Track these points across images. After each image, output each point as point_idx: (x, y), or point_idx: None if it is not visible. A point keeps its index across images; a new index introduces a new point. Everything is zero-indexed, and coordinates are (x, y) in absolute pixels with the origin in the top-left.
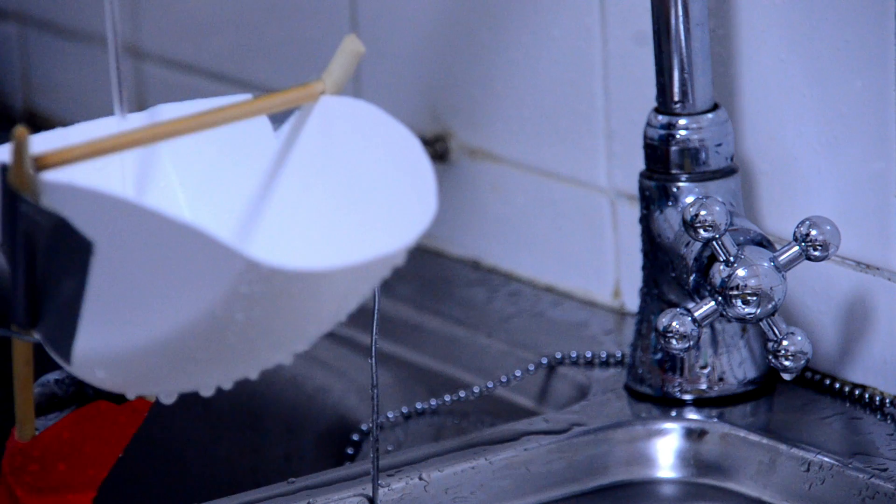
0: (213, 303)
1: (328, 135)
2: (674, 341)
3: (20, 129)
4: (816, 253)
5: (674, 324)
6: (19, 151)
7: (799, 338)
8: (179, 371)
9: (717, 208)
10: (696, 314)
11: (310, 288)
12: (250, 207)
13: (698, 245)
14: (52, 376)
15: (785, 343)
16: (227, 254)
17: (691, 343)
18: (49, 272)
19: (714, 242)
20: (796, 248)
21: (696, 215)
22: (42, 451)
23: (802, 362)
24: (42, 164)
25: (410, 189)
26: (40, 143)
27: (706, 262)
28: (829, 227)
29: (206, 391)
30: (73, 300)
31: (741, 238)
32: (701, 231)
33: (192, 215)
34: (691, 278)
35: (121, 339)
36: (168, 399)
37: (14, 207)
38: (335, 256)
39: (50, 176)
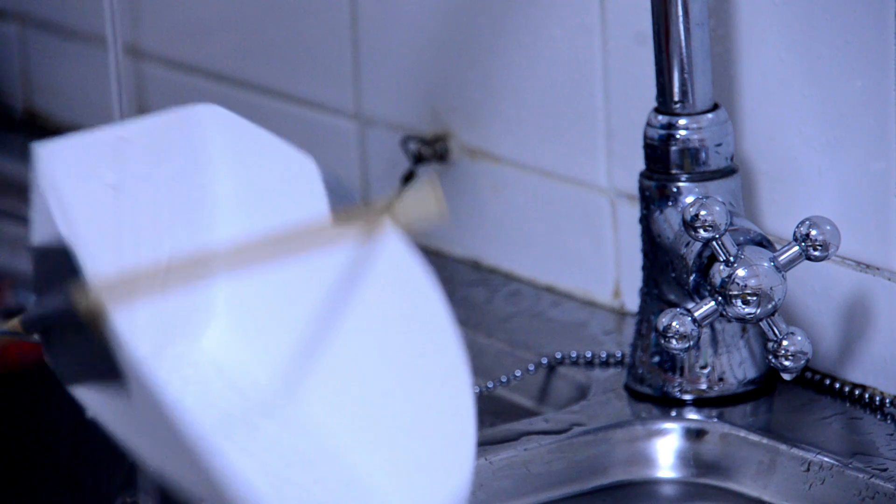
0: None
1: (382, 295)
2: (674, 341)
3: (102, 287)
4: (816, 253)
5: (674, 324)
6: (98, 303)
7: (799, 338)
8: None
9: (717, 208)
10: (696, 314)
11: None
12: (299, 348)
13: (698, 245)
14: None
15: (785, 343)
16: None
17: (691, 343)
18: (72, 348)
19: (714, 242)
20: (796, 248)
21: (696, 215)
22: None
23: (802, 362)
24: (109, 297)
25: (447, 434)
26: (57, 151)
27: (706, 262)
28: (829, 227)
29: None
30: (82, 376)
31: (741, 238)
32: (701, 231)
33: (242, 345)
34: (691, 278)
35: (117, 427)
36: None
37: (70, 315)
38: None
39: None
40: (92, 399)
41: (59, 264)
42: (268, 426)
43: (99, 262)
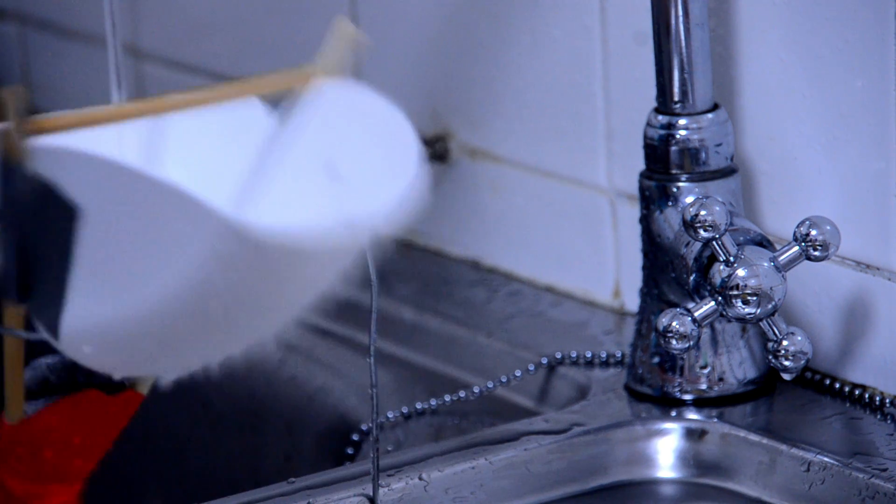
0: (193, 265)
1: (319, 116)
2: (674, 341)
3: (10, 92)
4: (816, 253)
5: (674, 324)
6: (7, 117)
7: (799, 338)
8: (164, 345)
9: (717, 208)
10: (696, 314)
11: (286, 249)
12: (244, 185)
13: (698, 245)
14: (44, 361)
15: (785, 343)
16: (204, 212)
17: (691, 343)
18: (38, 242)
19: (714, 242)
20: (796, 248)
21: (696, 215)
22: (29, 436)
23: (802, 362)
24: (31, 130)
25: (395, 163)
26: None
27: (706, 262)
28: (829, 227)
29: (182, 371)
30: (61, 270)
31: (741, 238)
32: (701, 231)
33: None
34: (691, 278)
35: (106, 309)
36: (168, 378)
37: (3, 174)
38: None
39: (38, 141)
40: (80, 313)
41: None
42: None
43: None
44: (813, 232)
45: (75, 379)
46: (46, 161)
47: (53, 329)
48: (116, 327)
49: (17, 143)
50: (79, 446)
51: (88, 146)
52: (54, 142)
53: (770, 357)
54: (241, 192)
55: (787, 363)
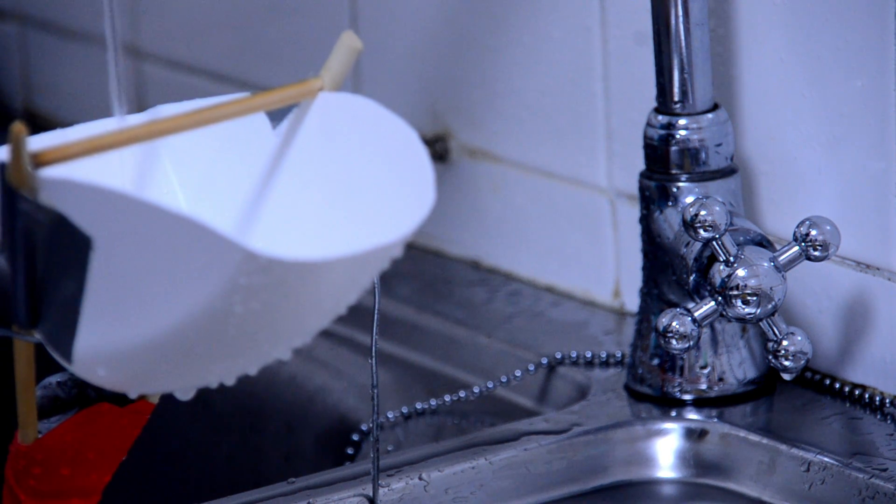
0: (212, 295)
1: (326, 131)
2: (674, 341)
3: (17, 126)
4: (816, 253)
5: (674, 324)
6: (17, 148)
7: (799, 338)
8: (180, 367)
9: (717, 208)
10: (696, 314)
11: (308, 278)
12: (250, 204)
13: (698, 245)
14: (54, 378)
15: (785, 343)
16: (225, 245)
17: (691, 343)
18: (49, 270)
19: (714, 242)
20: (796, 248)
21: (696, 215)
22: (45, 455)
23: (802, 362)
24: (40, 160)
25: (409, 181)
26: (40, 142)
27: (706, 262)
28: (829, 227)
29: (198, 388)
30: (73, 298)
31: (741, 238)
32: (701, 231)
33: (192, 212)
34: (691, 278)
35: (121, 335)
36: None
37: (13, 205)
38: (333, 248)
39: (48, 172)
40: (89, 339)
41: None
42: (252, 226)
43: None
44: (813, 232)
45: (86, 394)
46: (58, 192)
47: (66, 354)
48: (132, 351)
49: (27, 175)
50: (94, 460)
51: (98, 173)
52: (65, 173)
53: (770, 357)
54: (249, 213)
55: (787, 363)
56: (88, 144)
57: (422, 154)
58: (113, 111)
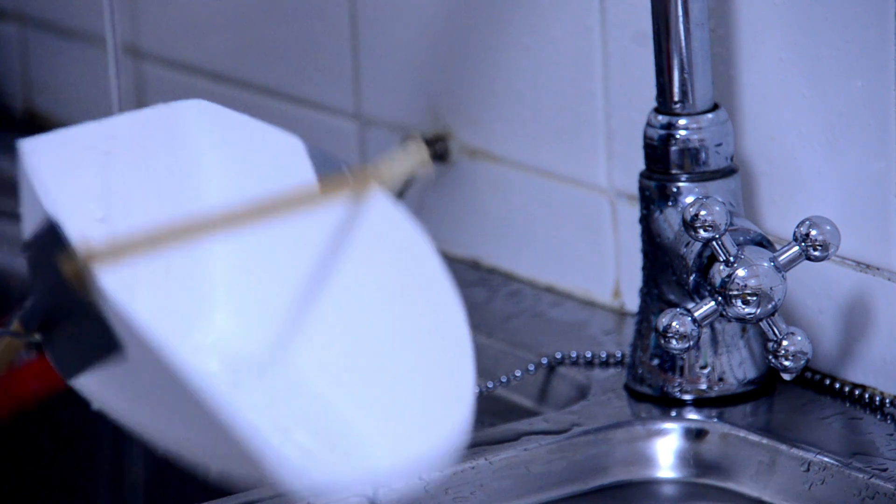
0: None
1: (375, 253)
2: (674, 341)
3: (88, 249)
4: (816, 253)
5: (674, 324)
6: (84, 265)
7: (799, 338)
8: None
9: (717, 208)
10: (696, 314)
11: None
12: (291, 310)
13: (698, 245)
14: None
15: (785, 343)
16: (249, 448)
17: (691, 343)
18: (67, 337)
19: (714, 242)
20: (796, 248)
21: (696, 215)
22: None
23: (802, 362)
24: (95, 259)
25: (447, 383)
26: (43, 146)
27: (706, 262)
28: (829, 227)
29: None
30: (82, 363)
31: (741, 238)
32: (701, 231)
33: (230, 305)
34: (691, 278)
35: (122, 408)
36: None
37: (61, 290)
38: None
39: (103, 280)
40: (95, 385)
41: (48, 246)
42: (263, 385)
43: (86, 235)
44: (813, 232)
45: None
46: (105, 300)
47: (67, 378)
48: (128, 418)
49: (85, 277)
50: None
51: (147, 297)
52: (118, 287)
53: (770, 357)
54: (290, 325)
55: (787, 363)
56: (145, 242)
57: (465, 338)
58: (113, 111)
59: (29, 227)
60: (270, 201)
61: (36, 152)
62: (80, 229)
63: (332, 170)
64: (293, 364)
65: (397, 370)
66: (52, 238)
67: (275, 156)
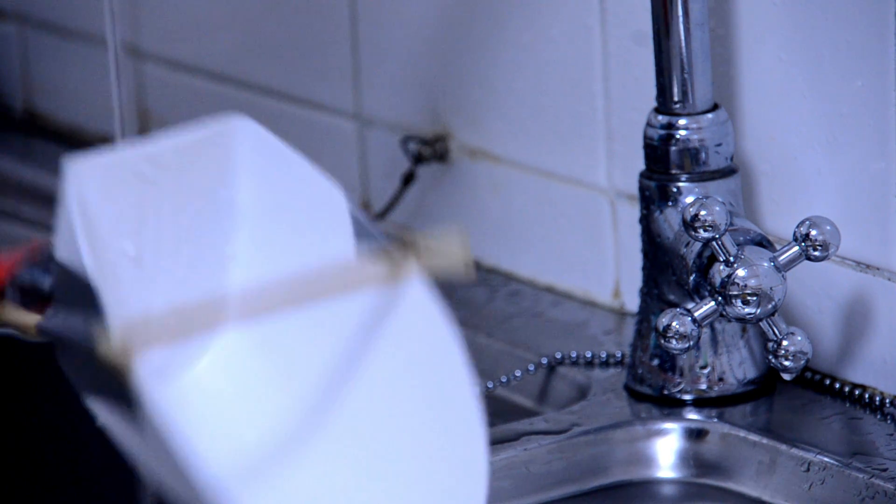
0: None
1: (399, 349)
2: (674, 341)
3: (127, 350)
4: (816, 253)
5: (674, 324)
6: (127, 362)
7: (799, 338)
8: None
9: (717, 208)
10: (696, 314)
11: None
12: (312, 398)
13: (698, 245)
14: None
15: (785, 343)
16: None
17: (691, 343)
18: (87, 363)
19: (714, 242)
20: (796, 248)
21: (696, 215)
22: None
23: (802, 362)
24: (133, 351)
25: (459, 471)
26: (88, 170)
27: (706, 262)
28: (829, 227)
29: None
30: (93, 388)
31: (741, 238)
32: (701, 231)
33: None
34: (691, 278)
35: (126, 441)
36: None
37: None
38: None
39: (139, 372)
40: (103, 411)
41: (81, 292)
42: (281, 474)
43: (119, 297)
44: (813, 232)
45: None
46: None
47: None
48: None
49: (125, 362)
50: None
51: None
52: (149, 377)
53: (770, 357)
54: (307, 423)
55: (787, 363)
56: (180, 331)
57: (480, 448)
58: (113, 111)
59: (65, 253)
60: (305, 277)
61: (80, 175)
62: (114, 282)
63: (368, 235)
64: (311, 452)
65: (411, 472)
66: (88, 292)
67: (315, 207)
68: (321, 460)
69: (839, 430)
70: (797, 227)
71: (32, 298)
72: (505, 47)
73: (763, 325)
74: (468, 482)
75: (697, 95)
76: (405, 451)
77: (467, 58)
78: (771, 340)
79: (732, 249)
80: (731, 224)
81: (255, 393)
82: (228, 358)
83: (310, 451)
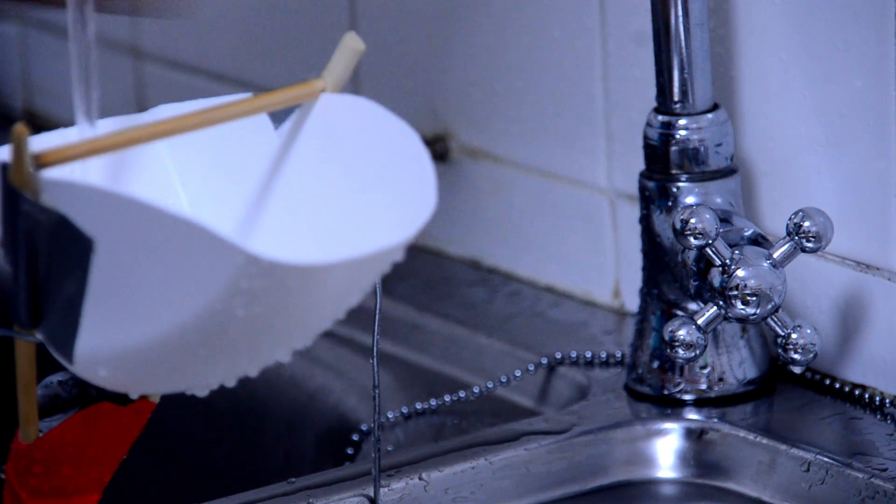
0: (213, 298)
1: (329, 132)
2: (680, 350)
3: (19, 128)
4: (810, 245)
5: (680, 333)
6: (19, 149)
7: (808, 331)
8: (181, 369)
9: (707, 216)
10: (699, 321)
11: (310, 282)
12: (251, 205)
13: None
14: (55, 377)
15: (794, 336)
16: (227, 248)
17: (698, 352)
18: (50, 271)
19: (707, 249)
20: (790, 241)
21: (686, 223)
22: (45, 454)
23: (812, 355)
24: (42, 161)
25: (410, 184)
26: (41, 143)
27: (704, 266)
28: (821, 218)
29: (207, 389)
30: (74, 299)
31: (736, 238)
32: (691, 239)
33: (194, 213)
34: (692, 283)
35: (123, 337)
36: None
37: (15, 206)
38: (335, 251)
39: (50, 174)
40: (92, 340)
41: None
42: (251, 228)
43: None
44: (806, 223)
45: (87, 393)
46: (60, 194)
47: (68, 355)
48: (133, 353)
49: (29, 176)
50: (95, 459)
51: (99, 174)
52: (67, 174)
53: (779, 351)
54: (251, 215)
55: (796, 356)
56: (91, 146)
57: (424, 157)
58: (112, 111)
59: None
60: (219, 106)
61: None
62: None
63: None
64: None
65: (359, 206)
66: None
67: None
68: (288, 209)
69: (839, 430)
70: (790, 218)
71: None
72: (505, 48)
73: (770, 321)
74: (419, 189)
75: (697, 95)
76: (356, 184)
77: (467, 58)
78: (779, 336)
79: (727, 253)
80: (730, 224)
81: (209, 183)
82: (159, 165)
83: (273, 210)
